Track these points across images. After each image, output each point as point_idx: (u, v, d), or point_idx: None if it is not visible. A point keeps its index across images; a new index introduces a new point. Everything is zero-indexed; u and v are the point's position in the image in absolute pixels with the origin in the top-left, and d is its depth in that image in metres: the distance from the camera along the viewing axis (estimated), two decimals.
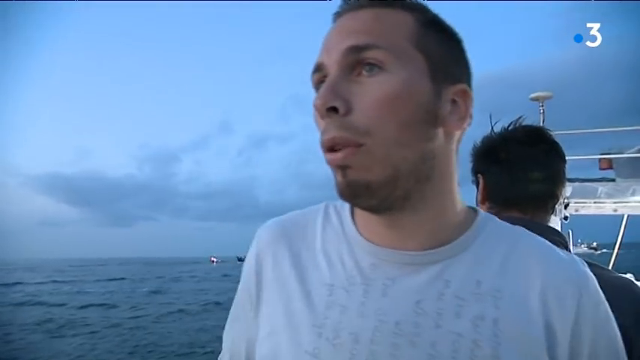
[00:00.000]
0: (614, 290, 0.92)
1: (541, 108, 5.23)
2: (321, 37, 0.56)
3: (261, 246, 0.64)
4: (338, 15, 0.55)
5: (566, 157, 1.10)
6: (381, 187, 0.50)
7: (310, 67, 0.55)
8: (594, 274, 0.95)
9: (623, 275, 1.02)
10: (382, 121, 0.49)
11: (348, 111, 0.49)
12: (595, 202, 4.70)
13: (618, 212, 4.84)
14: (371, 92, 0.49)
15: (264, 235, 0.64)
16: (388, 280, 0.54)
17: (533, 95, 5.25)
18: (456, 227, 0.56)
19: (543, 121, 5.09)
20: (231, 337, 0.67)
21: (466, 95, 0.55)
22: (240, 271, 0.67)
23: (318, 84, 0.54)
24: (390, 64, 0.49)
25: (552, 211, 1.09)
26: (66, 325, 17.42)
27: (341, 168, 0.50)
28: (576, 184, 4.67)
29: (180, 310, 21.62)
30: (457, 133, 0.56)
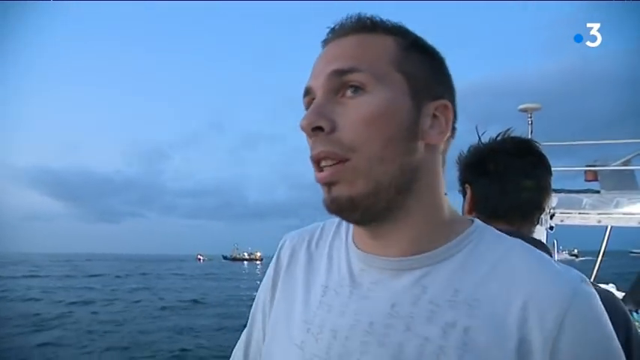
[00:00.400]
0: None
1: (529, 119, 5.28)
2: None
3: (281, 254, 0.72)
4: (325, 42, 0.59)
5: (553, 168, 1.11)
6: (363, 200, 0.54)
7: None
8: None
9: (605, 286, 1.03)
10: (366, 138, 0.53)
11: (333, 129, 0.53)
12: (580, 213, 4.77)
13: (602, 223, 4.90)
14: (354, 112, 0.53)
15: (285, 244, 0.73)
16: (372, 284, 0.58)
17: (522, 106, 5.30)
18: (441, 235, 0.58)
19: (532, 132, 5.15)
20: (247, 334, 0.74)
21: (447, 110, 0.58)
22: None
23: (308, 106, 0.57)
24: (371, 86, 0.54)
25: (538, 221, 1.10)
26: (39, 322, 17.15)
27: (327, 185, 0.55)
28: (562, 194, 4.74)
29: (163, 308, 21.46)
30: (440, 145, 0.59)
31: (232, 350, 0.75)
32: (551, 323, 0.49)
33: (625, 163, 5.08)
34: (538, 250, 0.57)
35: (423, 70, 0.57)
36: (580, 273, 0.54)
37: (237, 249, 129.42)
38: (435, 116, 0.57)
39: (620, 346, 0.52)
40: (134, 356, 12.46)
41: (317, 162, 0.55)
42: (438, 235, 0.58)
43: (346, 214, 0.56)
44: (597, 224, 4.89)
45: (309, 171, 0.57)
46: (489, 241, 0.58)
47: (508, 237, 0.59)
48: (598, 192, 4.83)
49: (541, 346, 0.49)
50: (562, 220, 4.73)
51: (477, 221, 0.61)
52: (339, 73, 0.54)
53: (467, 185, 1.12)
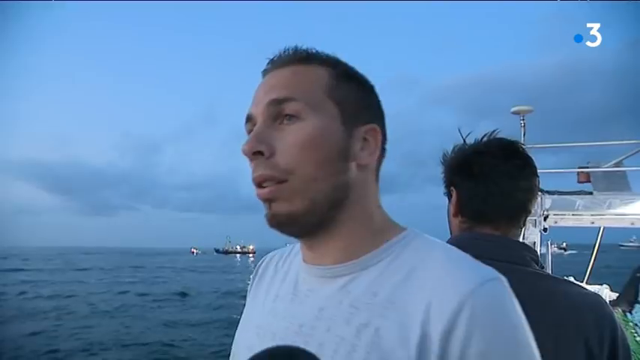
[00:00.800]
0: (579, 311, 0.93)
1: (522, 122, 5.23)
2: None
3: (259, 268, 0.81)
4: (265, 72, 0.65)
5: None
6: (300, 216, 0.59)
7: None
8: (564, 291, 0.96)
9: (599, 287, 1.02)
10: (301, 161, 0.58)
11: (272, 154, 0.59)
12: (573, 215, 4.78)
13: (595, 224, 4.93)
14: (289, 138, 0.59)
15: (265, 260, 0.81)
16: (308, 290, 0.64)
17: (514, 109, 5.23)
18: (371, 244, 0.62)
19: (524, 135, 5.12)
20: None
21: (376, 133, 0.64)
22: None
23: (249, 132, 0.62)
24: (305, 114, 0.59)
25: (524, 224, 1.09)
26: (20, 315, 17.12)
27: (267, 201, 0.60)
28: (555, 196, 4.74)
29: (153, 301, 21.46)
30: (371, 165, 0.64)
31: (224, 344, 0.81)
32: (448, 316, 0.51)
33: (617, 165, 5.10)
34: (459, 252, 0.59)
35: (354, 97, 0.63)
36: (496, 272, 0.55)
37: (230, 242, 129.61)
38: (365, 139, 0.63)
39: (530, 336, 0.53)
40: (123, 350, 12.47)
41: (258, 184, 0.60)
42: (367, 243, 0.62)
43: (285, 228, 0.61)
44: (591, 225, 4.92)
45: None
46: (416, 247, 0.61)
47: (438, 242, 0.62)
48: (591, 193, 4.84)
49: (438, 340, 0.51)
50: (556, 222, 4.74)
51: (410, 229, 0.65)
52: (276, 102, 0.60)
53: (452, 188, 1.10)
